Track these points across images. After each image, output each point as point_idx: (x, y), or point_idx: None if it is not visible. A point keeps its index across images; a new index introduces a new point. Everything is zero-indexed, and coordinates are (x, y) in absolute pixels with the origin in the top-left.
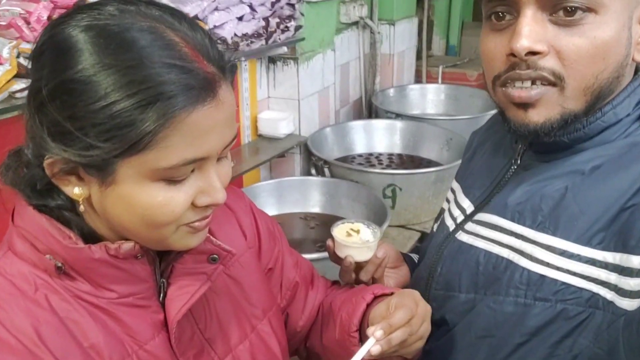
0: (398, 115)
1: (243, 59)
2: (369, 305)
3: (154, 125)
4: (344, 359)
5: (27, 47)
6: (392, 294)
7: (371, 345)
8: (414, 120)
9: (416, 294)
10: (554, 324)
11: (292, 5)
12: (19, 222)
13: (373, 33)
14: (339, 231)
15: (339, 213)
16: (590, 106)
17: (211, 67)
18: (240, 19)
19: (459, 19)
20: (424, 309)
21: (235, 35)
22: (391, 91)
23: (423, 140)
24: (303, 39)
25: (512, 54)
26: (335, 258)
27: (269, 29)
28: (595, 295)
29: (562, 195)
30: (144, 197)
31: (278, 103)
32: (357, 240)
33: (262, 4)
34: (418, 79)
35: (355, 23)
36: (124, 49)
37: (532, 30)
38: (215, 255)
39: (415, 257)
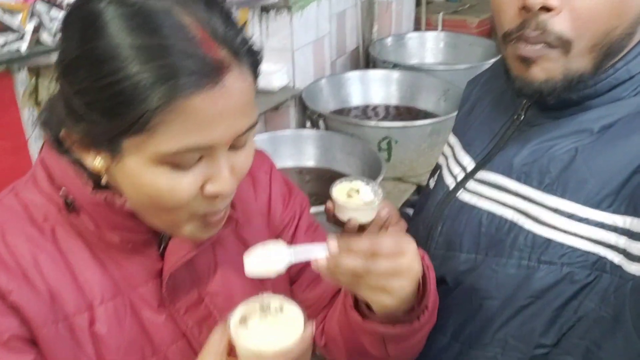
0: (395, 65)
1: (235, 7)
2: None
3: (152, 106)
4: (356, 343)
5: (6, 0)
6: None
7: (319, 254)
8: (411, 70)
9: (410, 244)
10: (559, 287)
11: None
12: (44, 154)
13: None
14: (338, 192)
15: (333, 166)
16: (597, 63)
17: (222, 52)
18: None
19: None
20: (407, 264)
21: None
22: (389, 40)
23: (420, 91)
24: None
25: (525, 8)
26: (335, 221)
27: None
28: (602, 258)
29: (572, 158)
30: (148, 180)
31: (271, 54)
32: (359, 201)
33: None
34: (417, 27)
35: None
36: (131, 31)
37: None
38: None
39: (410, 211)
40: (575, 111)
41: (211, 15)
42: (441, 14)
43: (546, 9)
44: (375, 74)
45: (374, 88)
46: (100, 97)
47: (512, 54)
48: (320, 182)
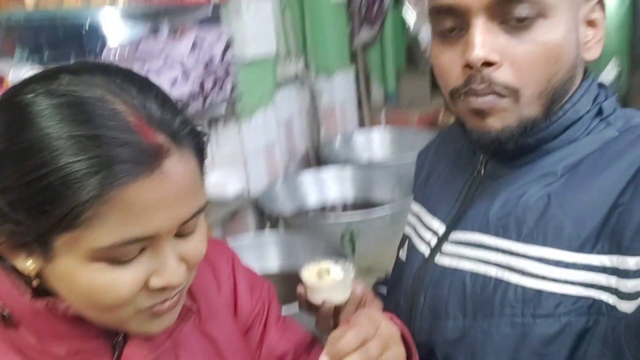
0: (346, 163)
1: None
2: None
3: (83, 200)
4: None
5: None
6: None
7: None
8: (363, 165)
9: (375, 313)
10: (560, 339)
11: (227, 66)
12: None
13: (312, 86)
14: (308, 274)
15: (298, 267)
16: (546, 109)
17: (159, 136)
18: (173, 83)
19: (394, 67)
20: (387, 331)
21: None
22: (337, 140)
23: (374, 183)
24: (241, 97)
25: (468, 66)
26: (308, 306)
27: (205, 90)
28: (596, 301)
29: (546, 204)
30: (84, 279)
31: (223, 163)
32: (331, 281)
33: (195, 66)
34: (362, 126)
35: (293, 79)
36: (60, 122)
37: (485, 40)
38: None
39: (383, 289)
40: (534, 157)
41: (145, 100)
42: (383, 111)
43: (488, 64)
44: (328, 173)
45: (328, 186)
46: (25, 194)
47: (464, 109)
48: (285, 283)
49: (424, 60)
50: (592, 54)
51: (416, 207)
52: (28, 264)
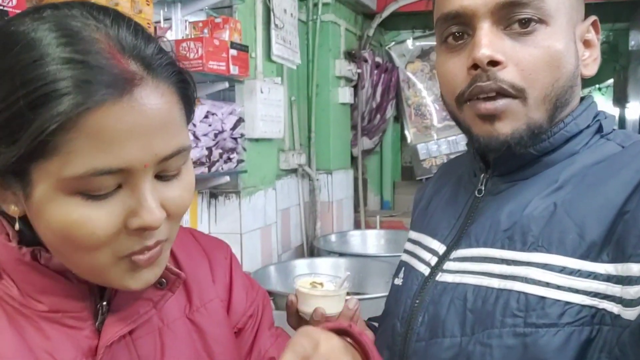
0: (341, 255)
1: None
2: None
3: (52, 122)
4: None
5: None
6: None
7: None
8: (357, 257)
9: (313, 330)
10: (565, 351)
11: (235, 139)
12: None
13: (312, 180)
14: (302, 283)
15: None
16: (551, 115)
17: (131, 64)
18: None
19: (390, 178)
20: (326, 346)
21: None
22: (332, 236)
23: (368, 275)
24: (245, 171)
25: (473, 67)
26: (297, 318)
27: (212, 158)
28: (600, 310)
29: (552, 213)
30: (59, 214)
31: (220, 237)
32: (324, 291)
33: (206, 135)
34: (357, 228)
35: (294, 170)
36: (26, 48)
37: (491, 40)
38: (162, 279)
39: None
40: (535, 171)
41: (119, 28)
42: (378, 217)
43: (493, 63)
44: (322, 262)
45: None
46: None
47: (472, 115)
48: None
49: (420, 173)
50: (590, 70)
51: (414, 235)
52: (12, 208)
